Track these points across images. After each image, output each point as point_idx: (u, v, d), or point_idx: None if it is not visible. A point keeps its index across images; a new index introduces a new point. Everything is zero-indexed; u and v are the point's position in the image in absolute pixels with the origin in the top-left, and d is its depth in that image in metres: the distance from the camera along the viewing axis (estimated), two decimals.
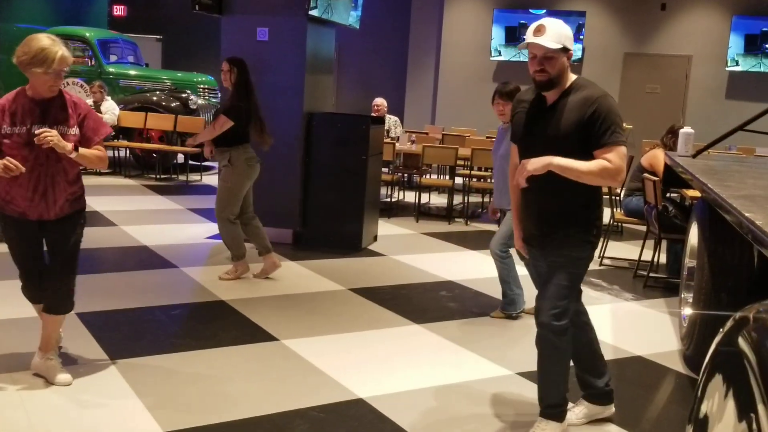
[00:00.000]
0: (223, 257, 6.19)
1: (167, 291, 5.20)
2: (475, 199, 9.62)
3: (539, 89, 3.04)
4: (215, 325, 4.56)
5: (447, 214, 8.61)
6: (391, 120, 9.54)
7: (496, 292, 5.62)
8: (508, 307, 5.02)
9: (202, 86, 11.56)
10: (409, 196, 9.56)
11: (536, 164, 2.90)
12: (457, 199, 9.11)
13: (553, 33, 2.92)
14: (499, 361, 4.20)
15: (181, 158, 10.82)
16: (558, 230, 3.08)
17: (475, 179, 9.15)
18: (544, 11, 12.65)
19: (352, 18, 7.48)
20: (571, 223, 3.07)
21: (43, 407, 3.29)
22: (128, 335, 4.30)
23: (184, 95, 11.02)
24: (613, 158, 2.90)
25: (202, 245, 6.69)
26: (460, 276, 6.06)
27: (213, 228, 7.21)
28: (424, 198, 9.33)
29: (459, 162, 8.54)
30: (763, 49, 12.47)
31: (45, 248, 3.55)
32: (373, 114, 9.03)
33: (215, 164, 11.77)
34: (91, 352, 3.94)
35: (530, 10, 12.82)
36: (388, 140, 8.35)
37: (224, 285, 5.38)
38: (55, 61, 3.31)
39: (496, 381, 3.95)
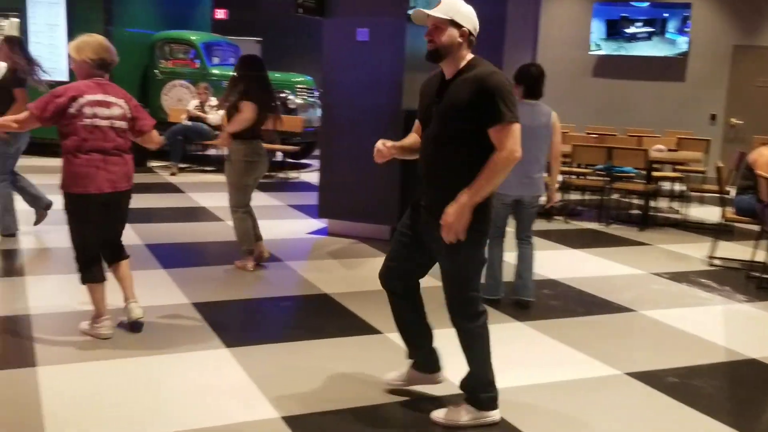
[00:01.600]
0: (325, 252, 6.35)
1: (274, 283, 5.38)
2: (575, 196, 9.46)
3: (428, 58, 3.10)
4: (321, 317, 4.69)
5: (546, 211, 8.50)
6: None
7: (600, 290, 5.54)
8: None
9: (300, 86, 11.82)
10: None
11: (456, 216, 2.93)
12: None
13: (444, 5, 3.04)
14: (606, 360, 4.13)
15: (279, 156, 11.11)
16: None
17: (574, 176, 8.99)
18: (647, 4, 12.28)
19: None
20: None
21: (168, 391, 3.48)
22: (241, 325, 4.48)
23: (282, 95, 11.31)
24: (505, 141, 2.92)
25: (305, 240, 6.86)
26: (562, 274, 5.98)
27: (314, 223, 7.40)
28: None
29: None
30: None
31: None
32: None
33: (312, 161, 12.08)
34: (207, 340, 4.13)
35: (632, 3, 12.46)
36: None
37: (326, 279, 5.50)
38: None
39: (603, 381, 3.89)
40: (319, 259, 6.16)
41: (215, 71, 11.61)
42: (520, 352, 4.27)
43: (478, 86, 2.94)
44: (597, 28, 12.71)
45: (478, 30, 3.11)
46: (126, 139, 4.11)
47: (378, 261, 6.04)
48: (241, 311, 4.76)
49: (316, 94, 11.80)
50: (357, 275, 5.66)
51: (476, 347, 3.29)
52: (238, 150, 5.42)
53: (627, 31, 12.47)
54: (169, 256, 5.89)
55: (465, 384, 3.37)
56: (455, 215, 2.95)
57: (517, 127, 2.96)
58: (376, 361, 3.99)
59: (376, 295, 5.13)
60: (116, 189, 4.03)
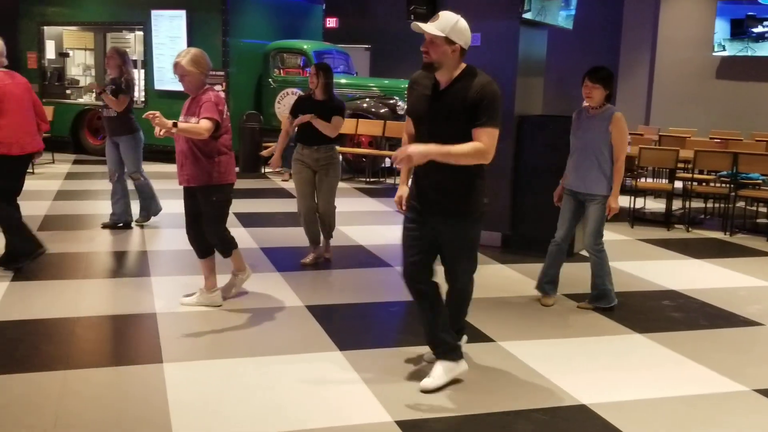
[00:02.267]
0: None
1: (386, 288, 5.42)
2: (696, 204, 9.03)
3: (424, 69, 3.38)
4: None
5: (665, 219, 8.16)
6: None
7: (724, 303, 5.27)
8: (597, 300, 5.01)
9: None
10: (622, 201, 9.15)
11: (416, 154, 3.24)
12: (676, 204, 8.61)
13: (441, 22, 3.28)
14: (732, 376, 3.91)
15: (387, 162, 11.20)
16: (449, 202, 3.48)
17: (696, 183, 8.59)
18: None
19: (562, 18, 7.33)
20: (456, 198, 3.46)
21: (285, 390, 3.57)
22: (354, 328, 4.54)
23: (391, 101, 11.41)
24: (485, 139, 3.28)
25: None
26: (684, 285, 5.72)
27: None
28: (639, 203, 8.91)
29: (679, 164, 8.06)
30: None
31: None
32: None
33: None
34: (321, 343, 4.21)
35: (759, 0, 11.79)
36: None
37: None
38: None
39: (729, 397, 3.69)
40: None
41: None
42: (639, 364, 4.11)
43: (480, 91, 3.29)
44: (721, 28, 12.10)
45: (469, 44, 3.35)
46: None
47: (489, 268, 6.00)
48: (353, 315, 4.82)
49: None
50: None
51: (468, 300, 3.86)
52: (293, 154, 5.78)
53: (754, 30, 11.81)
54: (283, 260, 6.05)
55: (458, 328, 3.82)
56: (417, 152, 3.25)
57: (498, 133, 3.34)
58: (488, 370, 3.94)
59: (487, 303, 5.09)
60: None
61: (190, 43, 11.54)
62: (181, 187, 4.65)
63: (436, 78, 3.39)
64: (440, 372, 3.64)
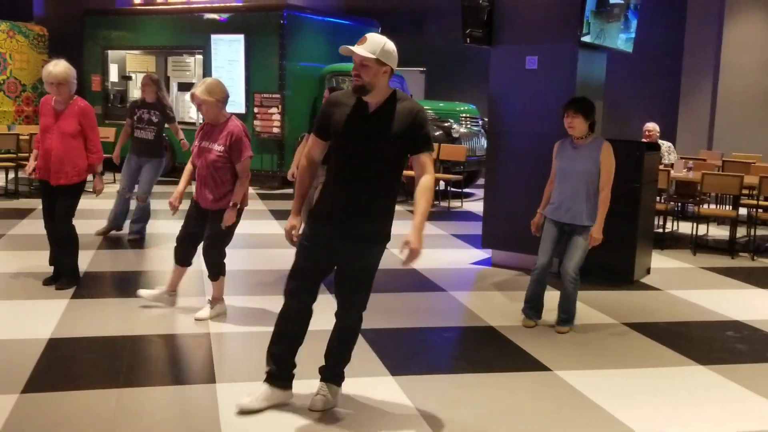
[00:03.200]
0: (488, 283, 6.24)
1: (439, 313, 5.35)
2: (762, 231, 8.71)
3: (355, 92, 3.30)
4: (487, 350, 4.59)
5: (729, 247, 7.88)
6: (664, 146, 9.00)
7: None
8: (567, 323, 4.99)
9: (464, 115, 11.83)
10: (684, 227, 8.92)
11: (419, 243, 3.23)
12: (740, 231, 8.32)
13: (370, 44, 3.24)
14: None
15: (442, 185, 11.14)
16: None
17: (761, 209, 8.28)
18: None
19: (622, 41, 7.20)
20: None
21: (337, 413, 3.52)
22: (407, 354, 4.48)
23: (446, 124, 11.36)
24: (432, 165, 3.36)
25: (468, 270, 6.79)
26: (749, 316, 5.49)
27: (478, 254, 7.32)
28: (702, 229, 8.64)
29: (744, 191, 7.79)
30: None
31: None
32: (644, 140, 8.59)
33: (476, 191, 12.03)
34: (374, 367, 4.15)
35: None
36: (662, 167, 7.87)
37: (490, 311, 5.39)
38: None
39: None
40: (483, 290, 6.06)
41: None
42: (704, 398, 3.94)
43: (412, 118, 3.28)
44: None
45: (395, 67, 3.32)
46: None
47: (548, 295, 5.82)
48: (405, 340, 4.76)
49: (481, 123, 11.76)
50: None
51: (354, 342, 3.65)
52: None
53: None
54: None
55: (337, 372, 3.62)
56: (419, 242, 3.23)
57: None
58: (544, 399, 3.83)
59: (543, 331, 4.97)
60: None
61: (248, 67, 11.76)
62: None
63: (359, 100, 3.32)
64: (266, 394, 3.54)
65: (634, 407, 3.77)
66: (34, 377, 3.81)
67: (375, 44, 3.24)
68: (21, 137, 10.09)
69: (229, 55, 12.00)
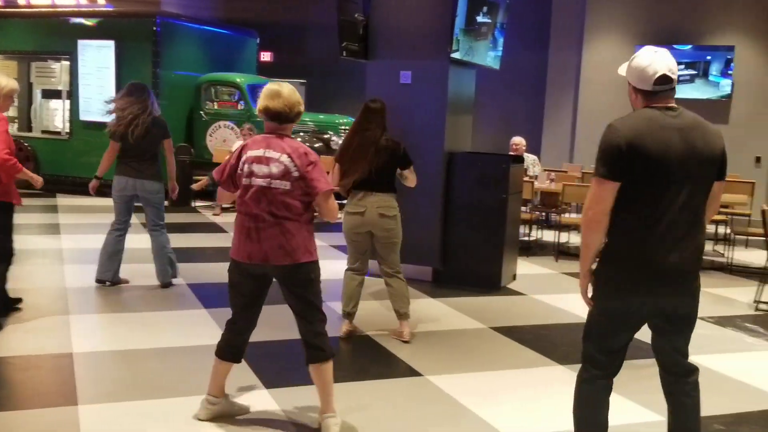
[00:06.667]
0: (366, 293, 6.35)
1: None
2: None
3: None
4: (362, 359, 4.69)
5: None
6: (529, 158, 9.49)
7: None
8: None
9: (343, 127, 11.98)
10: (548, 236, 9.43)
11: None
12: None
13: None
14: (648, 406, 4.05)
15: None
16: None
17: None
18: (690, 46, 12.24)
19: (490, 58, 7.57)
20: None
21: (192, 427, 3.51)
22: (281, 365, 4.50)
23: (326, 136, 11.48)
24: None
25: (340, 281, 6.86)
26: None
27: None
28: (564, 237, 9.17)
29: None
30: None
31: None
32: (511, 153, 9.03)
33: None
34: (248, 380, 4.16)
35: (674, 46, 12.42)
36: (527, 179, 8.31)
37: (368, 321, 5.50)
38: None
39: (646, 427, 3.81)
40: (361, 300, 6.16)
41: None
42: (565, 396, 4.20)
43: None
44: None
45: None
46: (286, 202, 3.48)
47: (420, 302, 6.04)
48: (279, 352, 4.78)
49: None
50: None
51: None
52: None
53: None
54: (211, 296, 5.96)
55: None
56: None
57: None
58: (416, 404, 3.97)
59: (417, 338, 5.13)
60: (266, 261, 3.46)
61: (119, 75, 11.37)
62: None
63: None
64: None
65: (500, 409, 3.97)
66: None
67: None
68: None
69: (98, 61, 11.57)
